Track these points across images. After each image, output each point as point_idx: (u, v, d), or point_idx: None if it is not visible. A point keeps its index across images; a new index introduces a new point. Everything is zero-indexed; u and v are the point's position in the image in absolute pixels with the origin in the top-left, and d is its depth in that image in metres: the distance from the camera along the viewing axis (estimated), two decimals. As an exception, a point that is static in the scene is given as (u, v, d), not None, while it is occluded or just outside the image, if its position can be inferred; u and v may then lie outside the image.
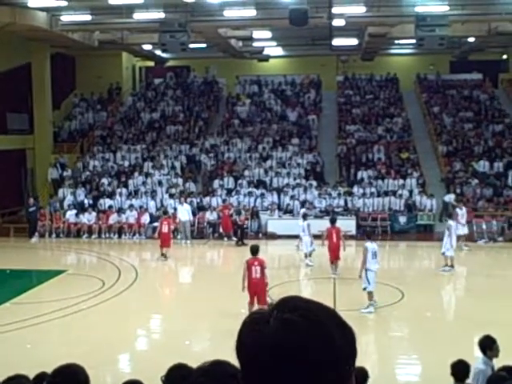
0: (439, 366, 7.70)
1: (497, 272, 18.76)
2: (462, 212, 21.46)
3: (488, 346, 7.22)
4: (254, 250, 12.87)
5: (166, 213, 23.10)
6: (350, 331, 1.32)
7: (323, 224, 19.61)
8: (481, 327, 12.82)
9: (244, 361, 1.29)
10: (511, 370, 6.54)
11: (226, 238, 24.10)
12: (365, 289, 13.94)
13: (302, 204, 24.76)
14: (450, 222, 18.72)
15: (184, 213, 23.83)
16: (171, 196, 26.05)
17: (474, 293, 17.67)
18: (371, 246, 13.99)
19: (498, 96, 33.56)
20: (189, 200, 25.18)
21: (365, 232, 19.47)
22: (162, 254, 20.54)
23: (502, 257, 21.78)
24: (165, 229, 20.85)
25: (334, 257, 17.54)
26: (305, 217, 19.94)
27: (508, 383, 4.48)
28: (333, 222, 18.06)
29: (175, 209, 24.85)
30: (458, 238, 19.78)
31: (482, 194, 25.68)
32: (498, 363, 7.14)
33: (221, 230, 24.43)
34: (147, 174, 27.90)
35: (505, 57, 38.11)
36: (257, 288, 12.52)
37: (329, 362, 1.24)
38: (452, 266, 18.16)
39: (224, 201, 25.32)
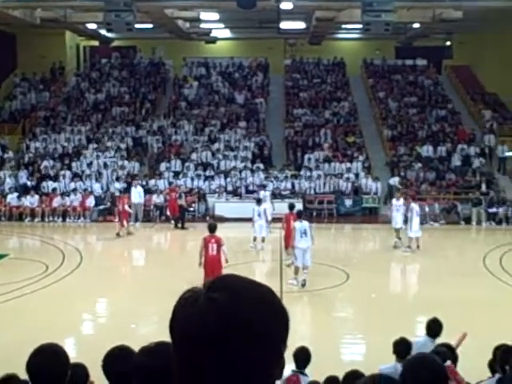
0: (383, 346, 7.86)
1: (440, 253, 19.28)
2: (397, 203, 19.65)
3: (436, 331, 7.43)
4: (212, 228, 13.24)
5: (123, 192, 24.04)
6: (281, 311, 1.30)
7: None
8: (424, 307, 13.17)
9: (174, 338, 1.29)
10: (450, 347, 6.74)
11: (172, 221, 23.94)
12: (292, 263, 14.86)
13: (262, 187, 24.63)
14: (413, 205, 19.21)
15: (137, 195, 23.65)
16: (118, 179, 25.72)
17: (418, 274, 18.15)
18: (299, 225, 14.57)
19: (442, 82, 34.29)
20: (141, 182, 24.91)
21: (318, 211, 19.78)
22: (121, 233, 21.23)
23: (444, 239, 22.37)
24: (125, 207, 21.77)
25: (288, 244, 16.58)
26: (259, 202, 19.73)
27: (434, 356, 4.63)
28: (291, 208, 17.52)
29: (120, 191, 24.58)
30: (396, 230, 19.36)
31: (425, 178, 26.28)
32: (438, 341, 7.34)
33: (168, 213, 24.25)
34: (92, 156, 27.40)
35: (448, 43, 38.88)
36: (213, 265, 12.78)
37: (252, 343, 1.22)
38: (409, 247, 18.98)
39: (171, 184, 25.11)
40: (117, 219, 21.87)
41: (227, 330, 1.21)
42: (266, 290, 1.31)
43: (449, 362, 6.23)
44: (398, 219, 19.30)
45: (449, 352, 6.43)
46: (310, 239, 14.57)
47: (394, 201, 20.15)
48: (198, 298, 1.26)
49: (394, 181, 25.60)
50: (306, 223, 14.80)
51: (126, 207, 21.83)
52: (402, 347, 6.90)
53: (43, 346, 3.26)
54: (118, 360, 3.36)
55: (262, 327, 1.24)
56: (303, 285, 14.48)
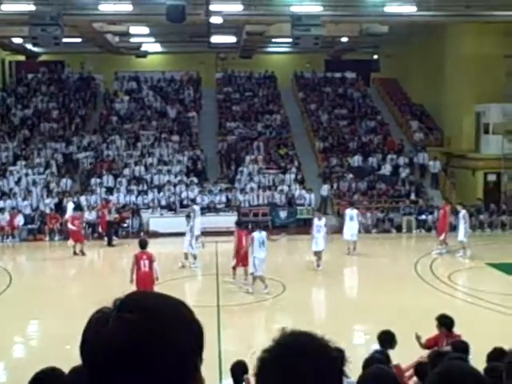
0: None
1: (373, 261, 19.66)
2: (318, 223, 18.09)
3: (389, 341, 7.44)
4: (143, 244, 13.18)
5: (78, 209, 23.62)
6: (193, 326, 1.30)
7: (206, 221, 19.62)
8: (361, 314, 13.39)
9: (85, 360, 1.28)
10: (383, 352, 6.87)
11: (106, 238, 23.49)
12: (252, 273, 15.08)
13: (193, 201, 24.37)
14: (464, 211, 19.90)
15: (70, 211, 23.17)
16: (48, 195, 25.10)
17: (351, 282, 18.42)
18: (258, 235, 15.05)
19: (370, 94, 35.16)
20: (72, 199, 24.35)
21: (254, 223, 19.70)
22: (80, 252, 20.93)
23: (377, 246, 22.83)
24: (74, 226, 21.38)
25: (243, 263, 15.97)
26: (188, 216, 19.40)
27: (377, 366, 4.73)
28: (239, 224, 17.00)
29: (51, 209, 24.04)
30: (316, 253, 17.95)
31: (357, 188, 26.81)
32: (368, 343, 7.45)
33: (100, 229, 23.79)
34: (20, 173, 26.60)
35: (375, 57, 40.01)
36: (145, 281, 12.73)
37: (164, 360, 1.22)
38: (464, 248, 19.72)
39: (104, 199, 24.66)
40: (71, 241, 21.28)
41: (138, 350, 1.20)
42: (177, 304, 1.30)
43: (394, 362, 6.40)
44: (319, 241, 17.82)
45: (384, 357, 6.56)
46: (266, 249, 15.07)
47: (315, 220, 18.27)
48: (109, 318, 1.25)
49: (324, 189, 26.04)
50: (264, 233, 15.28)
51: (74, 226, 21.38)
52: (385, 338, 7.31)
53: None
54: (48, 381, 3.28)
55: (173, 344, 1.23)
56: (268, 292, 14.92)
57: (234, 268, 16.20)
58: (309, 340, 1.50)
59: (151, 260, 12.91)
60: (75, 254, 20.95)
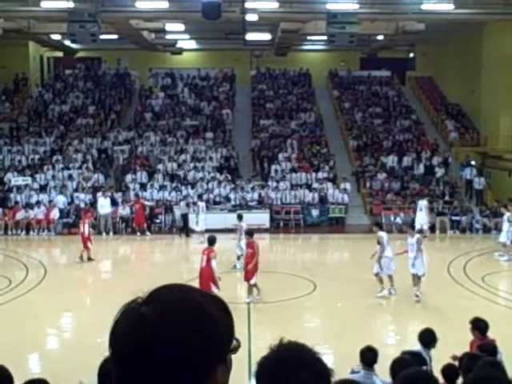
0: (349, 354, 7.88)
1: (404, 261, 19.43)
2: (411, 240, 14.78)
3: (430, 340, 7.48)
4: (210, 241, 13.50)
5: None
6: (216, 322, 1.30)
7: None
8: (391, 313, 13.29)
9: (112, 350, 1.32)
10: (415, 354, 6.80)
11: (138, 233, 23.76)
12: (377, 274, 14.60)
13: (199, 197, 23.98)
14: (508, 213, 19.71)
15: (107, 206, 23.59)
16: (83, 190, 25.49)
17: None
18: (384, 234, 15.03)
19: (405, 93, 34.81)
20: (106, 194, 24.70)
21: (376, 223, 17.74)
22: (89, 258, 19.17)
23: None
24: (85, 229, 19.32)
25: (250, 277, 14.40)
26: (240, 216, 18.62)
27: (413, 368, 4.72)
28: (251, 234, 14.94)
29: (86, 203, 24.44)
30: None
31: (390, 188, 26.56)
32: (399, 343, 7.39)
33: (134, 224, 24.06)
34: (57, 169, 27.05)
35: (411, 55, 39.58)
36: (201, 276, 13.10)
37: (176, 357, 1.23)
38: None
39: (137, 195, 24.93)
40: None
41: (158, 344, 1.23)
42: (202, 301, 1.30)
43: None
44: (415, 262, 14.60)
45: (415, 358, 6.49)
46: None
47: (408, 239, 14.97)
48: (134, 310, 1.28)
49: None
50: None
51: (86, 229, 19.29)
52: (368, 355, 6.93)
53: None
54: None
55: (192, 340, 1.24)
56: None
57: (255, 284, 14.41)
58: (305, 351, 1.64)
59: (209, 257, 13.05)
60: (81, 258, 19.07)
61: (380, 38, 31.59)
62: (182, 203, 24.06)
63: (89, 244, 19.14)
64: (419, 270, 14.36)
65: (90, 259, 19.12)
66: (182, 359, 1.23)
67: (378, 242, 14.79)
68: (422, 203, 22.84)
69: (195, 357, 1.25)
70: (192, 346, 1.24)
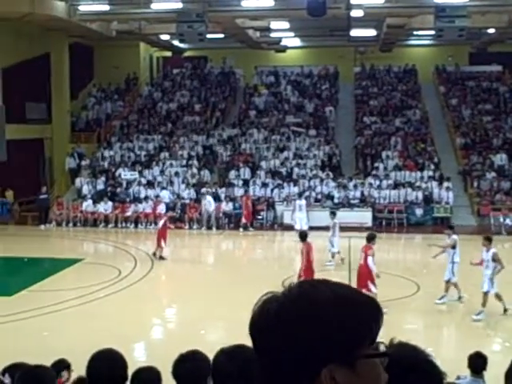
0: (458, 359, 7.67)
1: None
2: (486, 256, 13.08)
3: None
4: (301, 237, 13.79)
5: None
6: (344, 329, 1.21)
7: (340, 216, 19.56)
8: (500, 320, 12.74)
9: (251, 337, 1.31)
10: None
11: (241, 229, 24.13)
12: (449, 280, 13.89)
13: (299, 195, 24.32)
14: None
15: (211, 202, 24.23)
16: (188, 186, 26.26)
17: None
18: (457, 237, 14.35)
19: (518, 88, 33.20)
20: (211, 190, 25.35)
21: (449, 226, 16.79)
22: (160, 257, 19.10)
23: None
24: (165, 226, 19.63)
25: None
26: (333, 213, 19.16)
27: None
28: (304, 238, 14.04)
29: (191, 199, 25.18)
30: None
31: (500, 187, 25.47)
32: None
33: (244, 220, 24.34)
34: (164, 165, 28.02)
35: (525, 48, 37.64)
36: (358, 273, 13.12)
37: (290, 356, 1.21)
38: None
39: (245, 191, 25.42)
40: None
41: (279, 337, 1.22)
42: (341, 303, 1.24)
43: None
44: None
45: None
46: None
47: (483, 253, 13.20)
48: (269, 302, 1.28)
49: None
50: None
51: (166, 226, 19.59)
52: (477, 361, 6.71)
53: (101, 350, 3.51)
54: (144, 382, 3.64)
55: (309, 340, 1.21)
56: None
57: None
58: (417, 352, 1.59)
59: (366, 254, 12.91)
60: (154, 255, 19.11)
61: (491, 31, 30.30)
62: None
63: (162, 243, 19.02)
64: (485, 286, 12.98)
65: (161, 258, 18.95)
66: (293, 362, 1.21)
67: (453, 246, 13.99)
68: None
69: (304, 361, 1.22)
70: (308, 350, 1.21)
